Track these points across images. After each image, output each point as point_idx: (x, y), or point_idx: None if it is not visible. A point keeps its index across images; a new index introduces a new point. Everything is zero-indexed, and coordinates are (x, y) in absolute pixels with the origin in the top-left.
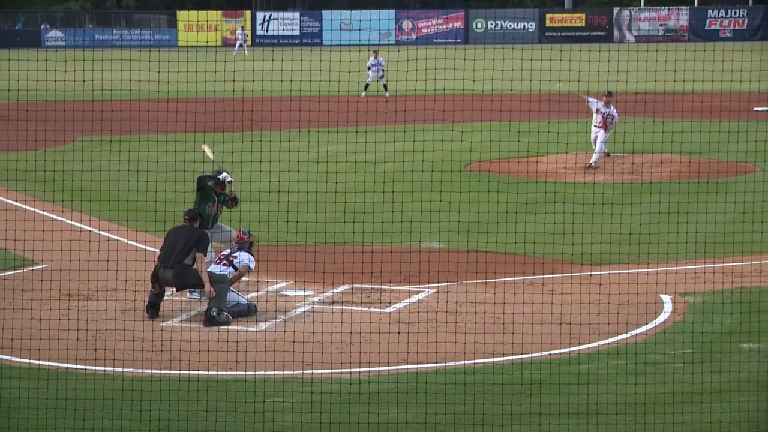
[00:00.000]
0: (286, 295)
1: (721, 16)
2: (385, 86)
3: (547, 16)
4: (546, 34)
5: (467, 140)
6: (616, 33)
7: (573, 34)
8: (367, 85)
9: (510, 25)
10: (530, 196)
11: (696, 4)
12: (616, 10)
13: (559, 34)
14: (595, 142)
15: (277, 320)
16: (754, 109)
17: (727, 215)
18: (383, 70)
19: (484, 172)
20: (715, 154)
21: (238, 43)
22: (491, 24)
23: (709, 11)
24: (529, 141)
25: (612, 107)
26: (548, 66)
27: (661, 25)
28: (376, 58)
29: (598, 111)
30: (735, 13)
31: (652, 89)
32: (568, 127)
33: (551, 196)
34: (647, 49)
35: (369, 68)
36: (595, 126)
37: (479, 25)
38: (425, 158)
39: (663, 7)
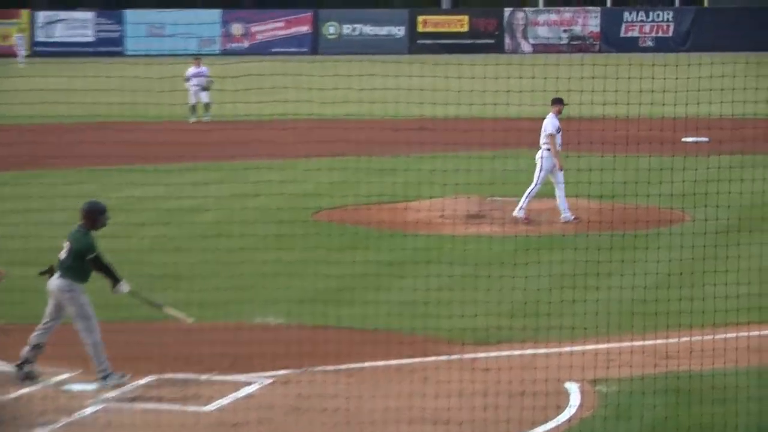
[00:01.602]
0: (70, 390)
1: (641, 21)
2: (207, 106)
3: (420, 18)
4: (418, 41)
5: (314, 181)
6: (507, 41)
7: (453, 41)
8: (193, 107)
9: (372, 31)
10: (396, 254)
11: (609, 5)
12: (507, 11)
13: (434, 41)
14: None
15: (57, 425)
16: (683, 140)
17: (650, 278)
18: (207, 83)
19: (336, 223)
20: (633, 198)
21: (20, 51)
22: (347, 28)
23: (626, 14)
24: (395, 182)
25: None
26: (419, 83)
27: (564, 31)
28: (198, 66)
29: (559, 130)
30: (658, 16)
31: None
32: (445, 162)
33: (424, 254)
34: (547, 62)
35: (187, 80)
36: (544, 152)
37: (332, 30)
38: (259, 205)
39: (567, 9)
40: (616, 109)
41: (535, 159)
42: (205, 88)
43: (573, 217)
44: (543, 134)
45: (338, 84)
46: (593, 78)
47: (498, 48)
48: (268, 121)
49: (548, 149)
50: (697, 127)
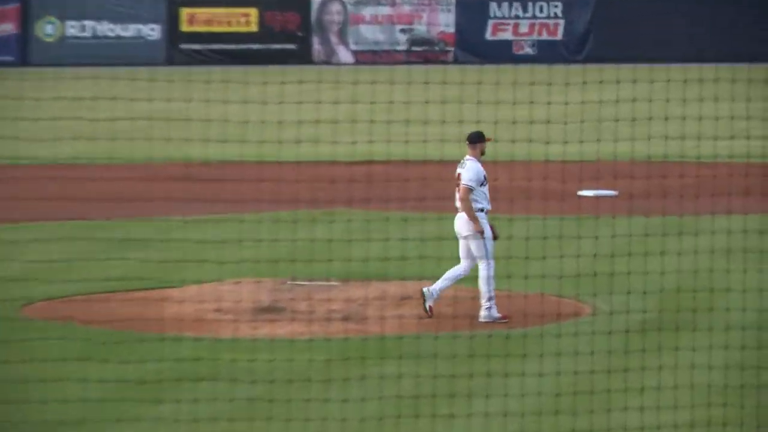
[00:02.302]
0: None
1: (515, 17)
2: None
3: (184, 12)
4: (181, 46)
5: (21, 259)
6: (317, 46)
7: (234, 46)
8: None
9: (112, 30)
10: (150, 368)
11: None
12: (315, 3)
13: (206, 46)
14: (476, 257)
15: None
16: (579, 193)
17: (529, 401)
18: None
19: (59, 321)
20: (504, 281)
21: None
22: (73, 27)
23: (493, 7)
24: (148, 258)
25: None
26: (183, 111)
27: (402, 31)
28: None
29: (485, 180)
30: (541, 10)
31: (386, 156)
32: (224, 229)
33: (191, 368)
34: (376, 79)
35: None
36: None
37: (50, 30)
38: None
39: (405, 1)
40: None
41: (455, 228)
42: None
43: (500, 315)
44: (461, 185)
45: (60, 111)
46: (443, 104)
47: (303, 56)
48: None
49: (480, 209)
50: (598, 175)
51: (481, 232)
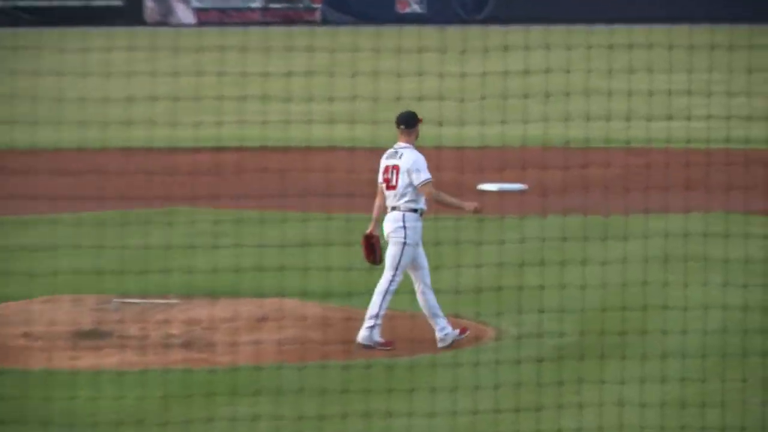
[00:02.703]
0: None
1: None
2: None
3: None
4: None
5: None
6: (150, 3)
7: (44, 2)
8: None
9: None
10: None
11: None
12: None
13: (9, 2)
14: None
15: None
16: (479, 187)
17: None
18: None
19: None
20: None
21: None
22: None
23: None
24: None
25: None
26: None
27: None
28: None
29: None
30: None
31: (238, 141)
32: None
33: None
34: (224, 45)
35: None
36: (407, 215)
37: None
38: None
39: None
40: (351, 130)
41: (384, 232)
42: None
43: (458, 332)
44: (412, 181)
45: None
46: (309, 75)
47: (132, 16)
48: None
49: (413, 210)
50: (503, 165)
51: (477, 211)
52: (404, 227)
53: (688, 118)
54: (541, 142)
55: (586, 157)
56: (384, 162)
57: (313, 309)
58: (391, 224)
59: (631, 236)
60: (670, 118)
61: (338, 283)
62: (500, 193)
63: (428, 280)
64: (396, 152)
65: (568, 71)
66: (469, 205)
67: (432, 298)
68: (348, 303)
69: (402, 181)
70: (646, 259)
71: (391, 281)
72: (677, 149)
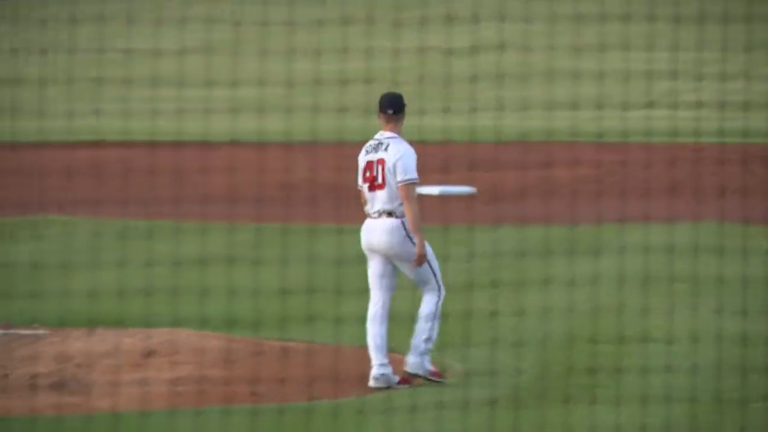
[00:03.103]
0: None
1: None
2: None
3: None
4: None
5: None
6: None
7: None
8: None
9: None
10: None
11: None
12: None
13: None
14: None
15: None
16: (417, 191)
17: None
18: None
19: None
20: (320, 326)
21: None
22: None
23: None
24: None
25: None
26: None
27: None
28: None
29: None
30: None
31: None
32: None
33: None
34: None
35: None
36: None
37: None
38: None
39: None
40: (259, 119)
41: (371, 241)
42: None
43: (435, 370)
44: (396, 176)
45: None
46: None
47: None
48: None
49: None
50: (446, 164)
51: (423, 254)
52: (410, 237)
53: (673, 106)
54: (492, 135)
55: (548, 154)
56: (364, 158)
57: (212, 341)
58: (390, 237)
59: (603, 251)
60: (650, 105)
61: (244, 308)
62: (442, 198)
63: (388, 307)
64: (380, 143)
65: (527, 48)
66: (419, 249)
67: (432, 310)
68: (256, 333)
69: (394, 175)
70: (621, 279)
71: (439, 298)
72: (660, 144)
